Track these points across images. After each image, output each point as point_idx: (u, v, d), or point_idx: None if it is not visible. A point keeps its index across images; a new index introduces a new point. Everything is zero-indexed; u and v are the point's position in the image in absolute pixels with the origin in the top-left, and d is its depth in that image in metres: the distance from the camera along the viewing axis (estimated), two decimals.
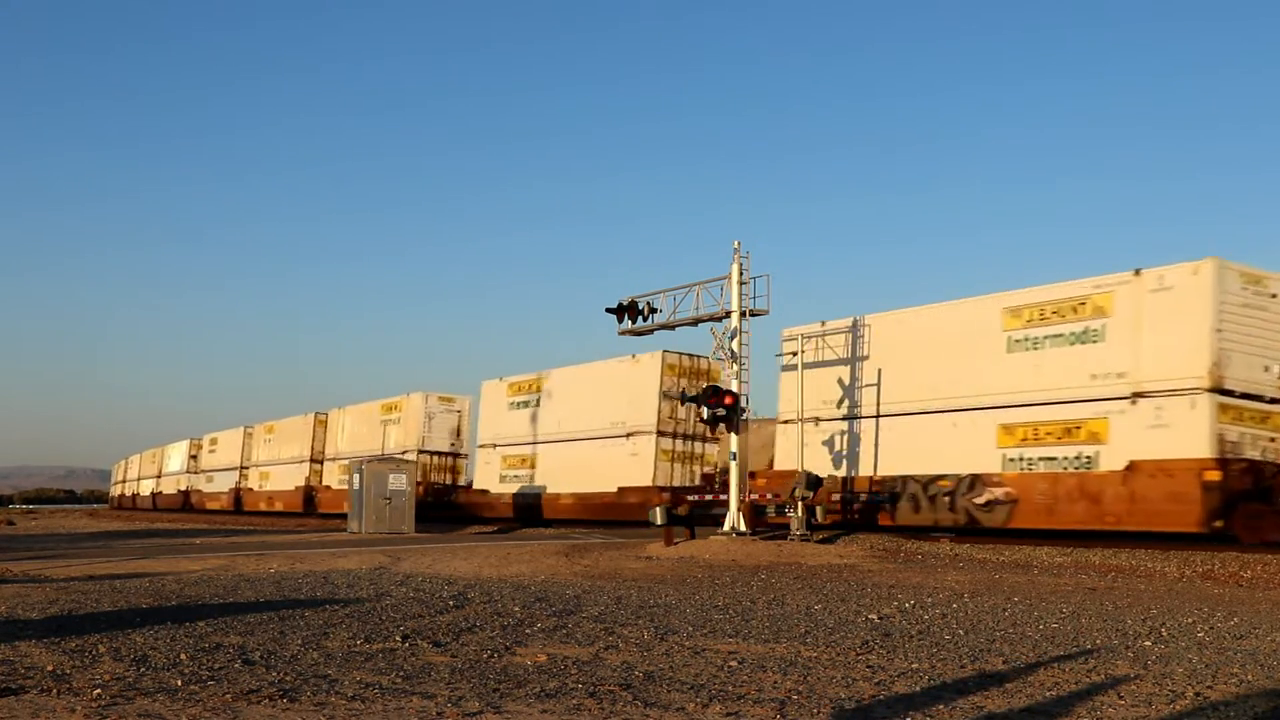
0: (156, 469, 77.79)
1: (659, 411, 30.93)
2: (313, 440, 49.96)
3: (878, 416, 24.70)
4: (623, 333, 24.89)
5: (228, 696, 6.34)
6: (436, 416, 42.34)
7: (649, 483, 30.49)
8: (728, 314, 22.82)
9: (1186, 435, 19.01)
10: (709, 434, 29.99)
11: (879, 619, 10.69)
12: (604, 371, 33.39)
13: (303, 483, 49.84)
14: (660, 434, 31.02)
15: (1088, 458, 20.42)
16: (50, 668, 7.23)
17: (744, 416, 22.46)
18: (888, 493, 23.98)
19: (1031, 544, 20.52)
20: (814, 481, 22.72)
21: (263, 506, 53.85)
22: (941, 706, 6.36)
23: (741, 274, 22.68)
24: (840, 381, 25.41)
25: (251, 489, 56.94)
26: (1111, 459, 20.00)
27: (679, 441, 31.58)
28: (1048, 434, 21.19)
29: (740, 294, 22.65)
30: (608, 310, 24.86)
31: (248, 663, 7.54)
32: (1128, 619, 10.89)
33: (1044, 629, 10.05)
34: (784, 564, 18.50)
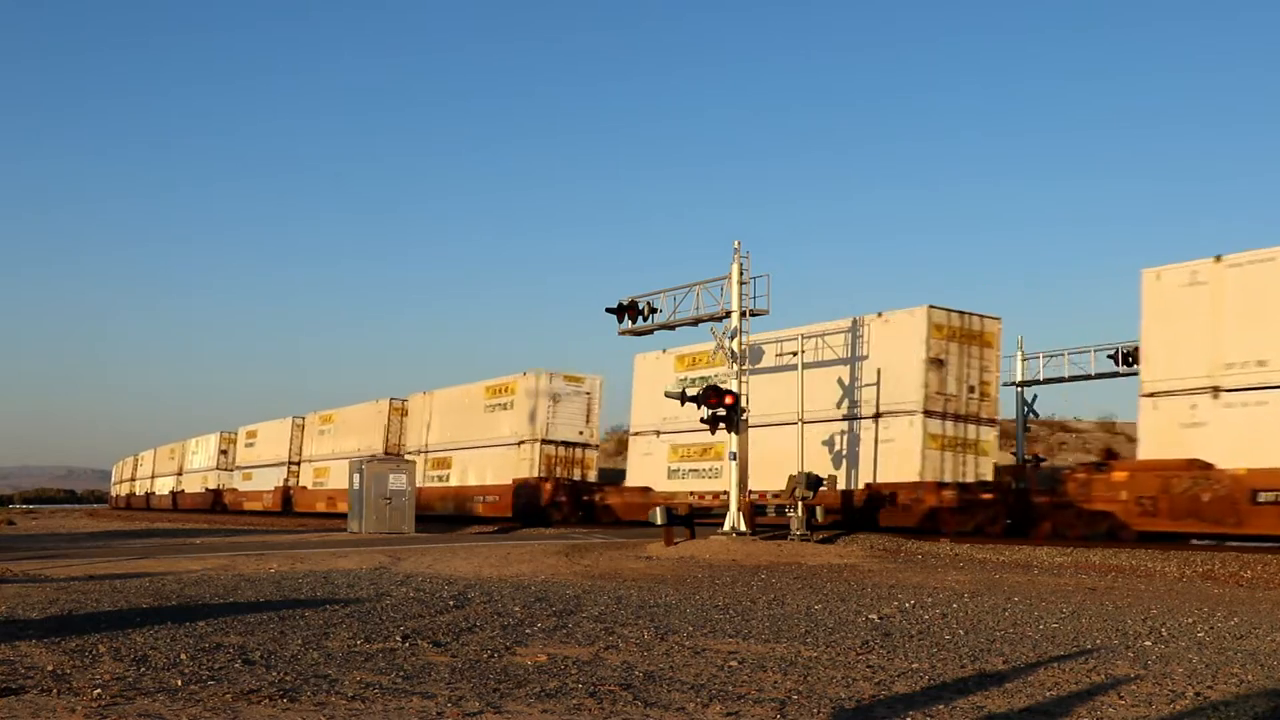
0: (177, 465, 72.04)
1: (925, 385, 24.25)
2: (386, 431, 43.58)
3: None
4: (623, 332, 24.92)
5: (228, 696, 6.33)
6: (562, 399, 35.56)
7: (915, 477, 24.05)
8: (728, 314, 22.85)
9: None
10: (979, 415, 25.01)
11: (879, 619, 10.69)
12: (835, 333, 26.23)
13: None
14: (928, 414, 24.25)
15: None
16: (50, 668, 7.23)
17: (744, 416, 22.45)
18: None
19: (1031, 544, 20.54)
20: (814, 481, 22.74)
21: (320, 507, 46.52)
22: (941, 706, 6.36)
23: (741, 274, 22.71)
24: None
25: (305, 487, 50.59)
26: None
27: (950, 424, 24.66)
28: None
29: (740, 294, 22.67)
30: (608, 310, 24.91)
31: (248, 662, 7.54)
32: (1128, 619, 10.89)
33: (1044, 629, 10.05)
34: (784, 564, 18.51)
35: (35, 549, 22.46)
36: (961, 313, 25.08)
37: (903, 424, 24.51)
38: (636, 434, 32.53)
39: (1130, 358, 28.69)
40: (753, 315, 22.83)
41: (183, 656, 7.74)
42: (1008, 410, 30.84)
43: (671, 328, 24.61)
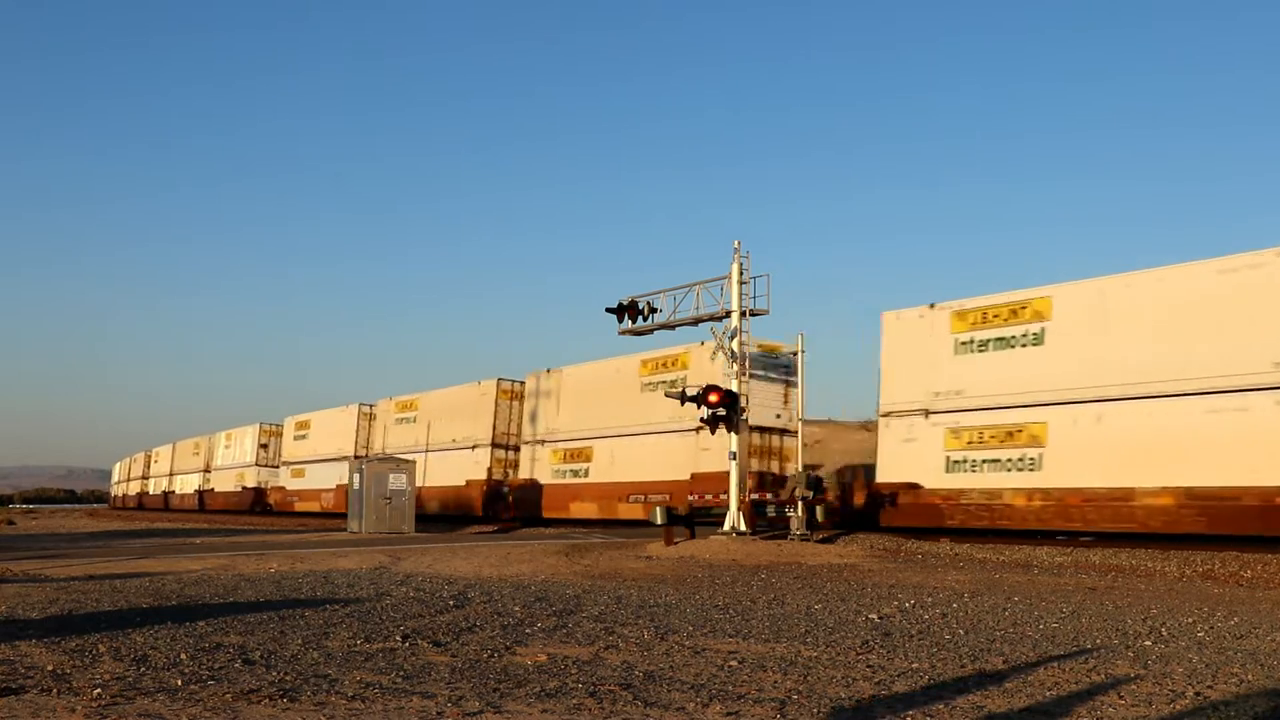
0: (203, 462, 65.29)
1: None
2: (494, 417, 37.39)
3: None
4: (623, 332, 24.93)
5: (228, 696, 6.33)
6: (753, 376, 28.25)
7: None
8: (728, 314, 22.87)
9: None
10: None
11: (879, 619, 10.69)
12: (1200, 278, 19.53)
13: (482, 475, 37.20)
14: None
15: None
16: (50, 667, 7.23)
17: (744, 416, 22.46)
18: None
19: (1031, 544, 20.53)
20: (814, 481, 22.74)
21: None
22: (941, 706, 6.36)
23: (741, 274, 22.73)
24: None
25: None
26: None
27: None
28: None
29: (740, 294, 22.69)
30: (608, 310, 24.91)
31: (248, 662, 7.54)
32: (1128, 619, 10.89)
33: (1044, 629, 10.04)
34: (784, 564, 18.51)
35: (35, 549, 22.46)
36: None
37: None
38: (889, 414, 24.87)
39: None
40: (753, 315, 22.86)
41: (183, 656, 7.74)
42: None
43: (672, 327, 24.64)
